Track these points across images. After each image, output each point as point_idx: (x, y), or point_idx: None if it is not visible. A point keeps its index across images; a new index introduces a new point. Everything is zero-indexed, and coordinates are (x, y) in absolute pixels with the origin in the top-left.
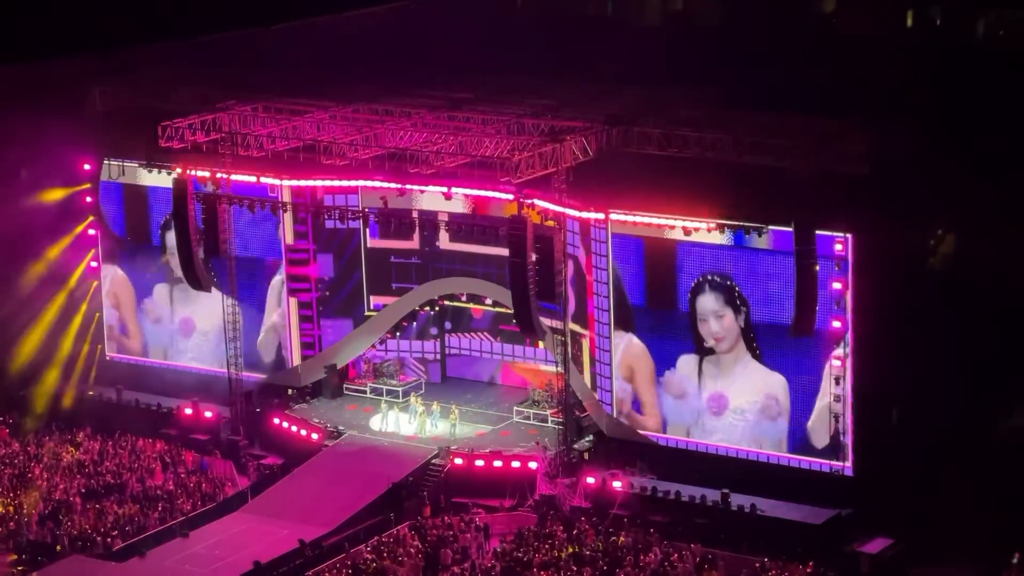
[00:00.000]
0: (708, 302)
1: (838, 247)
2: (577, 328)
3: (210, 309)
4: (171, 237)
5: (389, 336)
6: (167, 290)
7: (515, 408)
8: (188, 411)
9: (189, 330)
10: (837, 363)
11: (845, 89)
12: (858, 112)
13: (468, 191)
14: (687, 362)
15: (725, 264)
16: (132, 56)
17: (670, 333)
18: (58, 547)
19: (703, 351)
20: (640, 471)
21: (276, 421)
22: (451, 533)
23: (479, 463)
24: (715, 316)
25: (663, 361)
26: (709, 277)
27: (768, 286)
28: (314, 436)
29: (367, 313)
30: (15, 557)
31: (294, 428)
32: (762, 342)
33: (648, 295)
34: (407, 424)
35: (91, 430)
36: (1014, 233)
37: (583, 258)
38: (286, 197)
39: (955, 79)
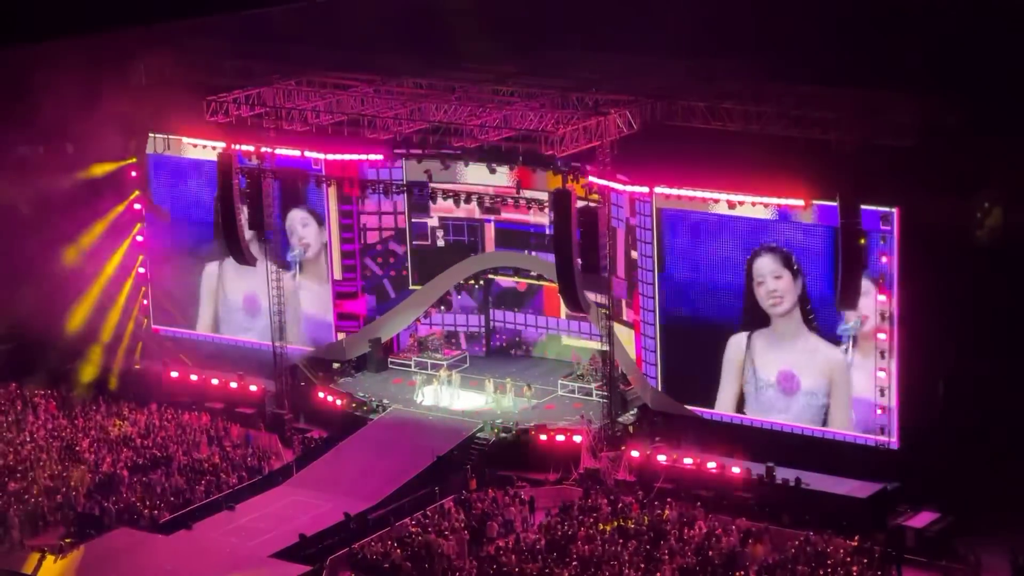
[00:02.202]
0: (765, 264)
1: (884, 221)
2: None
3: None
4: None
5: (434, 310)
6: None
7: (560, 382)
8: (233, 384)
9: (255, 309)
10: (883, 337)
11: (890, 60)
12: (904, 84)
13: (512, 165)
14: (737, 342)
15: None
16: (178, 30)
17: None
18: (106, 519)
19: (754, 323)
20: (684, 445)
21: (321, 395)
22: (496, 507)
23: (524, 437)
24: (773, 276)
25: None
26: (766, 244)
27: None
28: (359, 409)
29: (412, 287)
30: (63, 529)
31: (339, 402)
32: (817, 314)
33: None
34: (448, 397)
35: (138, 403)
36: None
37: (625, 231)
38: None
39: (1002, 49)
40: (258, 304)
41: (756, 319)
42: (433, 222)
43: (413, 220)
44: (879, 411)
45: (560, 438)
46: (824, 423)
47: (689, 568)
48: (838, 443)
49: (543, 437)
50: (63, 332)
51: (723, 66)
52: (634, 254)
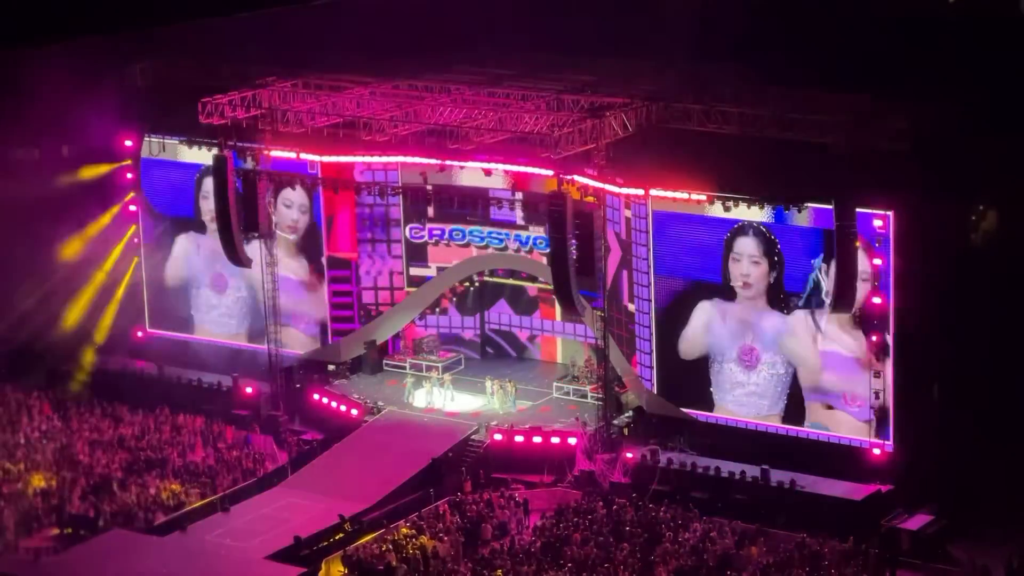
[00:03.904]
0: (748, 244)
1: (878, 224)
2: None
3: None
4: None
5: (429, 312)
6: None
7: (554, 384)
8: (229, 387)
9: (223, 286)
10: (877, 339)
11: (886, 65)
12: (899, 88)
13: (508, 167)
14: (704, 309)
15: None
16: (173, 32)
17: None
18: (100, 521)
19: (724, 293)
20: (679, 447)
21: (316, 397)
22: (490, 509)
23: (518, 439)
24: (750, 259)
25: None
26: (755, 224)
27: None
28: (354, 412)
29: (407, 289)
30: (58, 531)
31: (334, 404)
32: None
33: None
34: (442, 400)
35: (132, 405)
36: None
37: (623, 234)
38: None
39: (996, 55)
40: (225, 280)
41: (724, 292)
42: (431, 272)
43: (411, 271)
44: (874, 413)
45: (555, 440)
46: (790, 398)
47: (684, 570)
48: (832, 445)
49: (537, 439)
50: (58, 333)
51: (719, 69)
52: (632, 307)
